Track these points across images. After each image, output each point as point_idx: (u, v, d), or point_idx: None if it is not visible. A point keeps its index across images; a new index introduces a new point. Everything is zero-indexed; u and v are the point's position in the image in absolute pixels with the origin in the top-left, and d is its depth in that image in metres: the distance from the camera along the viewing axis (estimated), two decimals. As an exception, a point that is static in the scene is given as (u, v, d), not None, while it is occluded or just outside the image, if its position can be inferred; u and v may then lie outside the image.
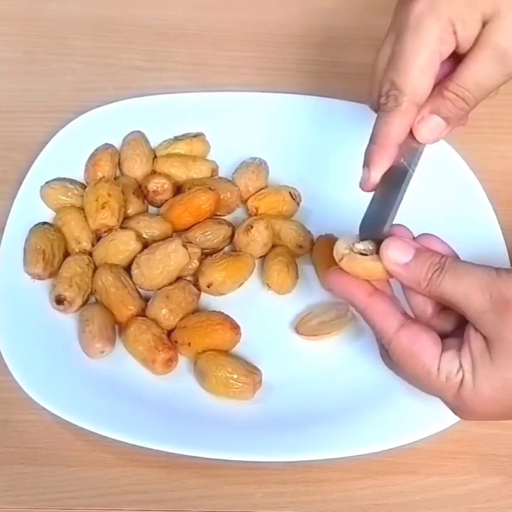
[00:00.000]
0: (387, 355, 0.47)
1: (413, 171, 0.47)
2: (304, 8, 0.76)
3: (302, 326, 0.58)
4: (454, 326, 0.48)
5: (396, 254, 0.46)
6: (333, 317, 0.58)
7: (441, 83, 0.49)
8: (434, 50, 0.47)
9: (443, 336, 0.47)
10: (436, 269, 0.45)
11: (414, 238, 0.47)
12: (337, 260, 0.47)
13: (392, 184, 0.47)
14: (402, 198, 0.47)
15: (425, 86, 0.47)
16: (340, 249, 0.47)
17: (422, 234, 0.47)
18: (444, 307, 0.47)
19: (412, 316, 0.48)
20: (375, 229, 0.47)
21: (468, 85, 0.47)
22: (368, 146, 0.48)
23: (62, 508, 0.53)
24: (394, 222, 0.47)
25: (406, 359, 0.46)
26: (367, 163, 0.48)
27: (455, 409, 0.47)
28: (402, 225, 0.48)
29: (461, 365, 0.45)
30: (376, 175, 0.48)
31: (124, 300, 0.57)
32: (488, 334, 0.44)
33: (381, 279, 0.47)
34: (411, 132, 0.48)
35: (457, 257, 0.47)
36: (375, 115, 0.50)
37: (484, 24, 0.46)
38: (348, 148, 0.64)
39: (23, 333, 0.56)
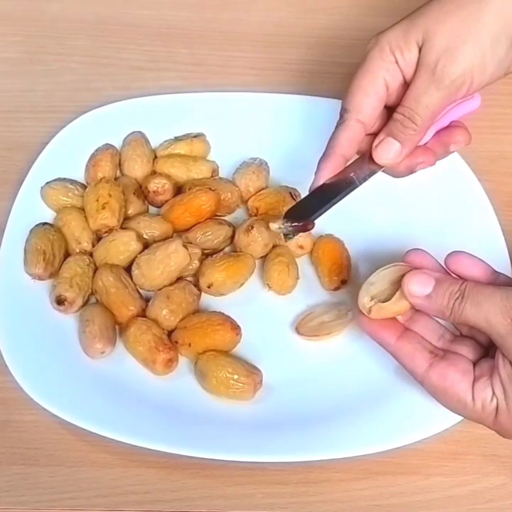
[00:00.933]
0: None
1: (359, 184, 0.53)
2: (304, 8, 0.76)
3: (303, 327, 0.58)
4: (477, 353, 0.50)
5: (417, 287, 0.48)
6: (334, 318, 0.58)
7: None
8: (377, 76, 0.51)
9: (483, 349, 0.50)
10: (457, 298, 0.47)
11: (445, 257, 0.50)
12: (365, 313, 0.50)
13: (335, 187, 0.53)
14: (338, 200, 0.53)
15: (369, 105, 0.52)
16: (364, 302, 0.50)
17: (452, 252, 0.50)
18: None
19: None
20: (302, 213, 0.53)
21: (410, 104, 0.50)
22: (321, 156, 0.53)
23: (62, 509, 0.53)
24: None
25: (440, 395, 0.49)
26: (316, 170, 0.53)
27: (499, 433, 0.49)
28: (421, 250, 0.51)
29: (493, 393, 0.47)
30: (319, 180, 0.53)
31: (124, 300, 0.57)
32: None
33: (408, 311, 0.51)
34: (370, 156, 0.53)
35: (488, 267, 0.50)
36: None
37: (420, 49, 0.50)
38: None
39: (23, 334, 0.56)
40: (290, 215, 0.53)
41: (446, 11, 0.50)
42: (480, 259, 0.50)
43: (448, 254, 0.50)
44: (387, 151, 0.52)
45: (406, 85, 0.51)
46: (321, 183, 0.52)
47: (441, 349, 0.51)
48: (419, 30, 0.50)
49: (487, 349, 0.50)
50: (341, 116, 0.53)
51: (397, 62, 0.51)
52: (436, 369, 0.49)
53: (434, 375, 0.49)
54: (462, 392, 0.48)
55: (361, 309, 0.50)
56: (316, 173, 0.53)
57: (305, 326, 0.58)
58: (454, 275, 0.50)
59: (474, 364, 0.49)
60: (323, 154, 0.53)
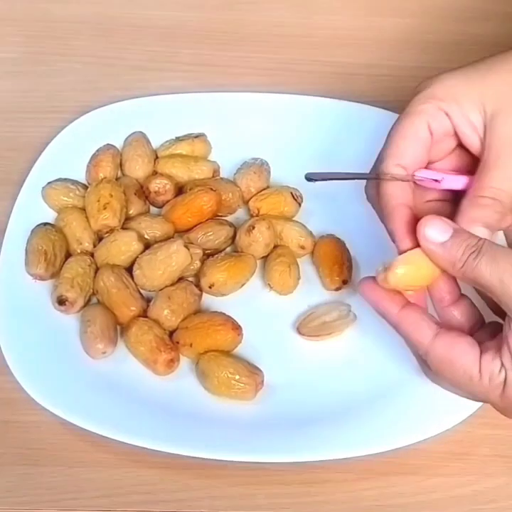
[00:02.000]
0: (427, 367, 0.47)
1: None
2: (305, 8, 0.76)
3: (304, 327, 0.58)
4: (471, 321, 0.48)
5: (433, 232, 0.45)
6: (335, 318, 0.58)
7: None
8: (419, 120, 0.47)
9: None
10: (473, 251, 0.44)
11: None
12: (381, 281, 0.46)
13: None
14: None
15: (409, 149, 0.47)
16: (379, 270, 0.47)
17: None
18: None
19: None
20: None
21: (499, 183, 0.46)
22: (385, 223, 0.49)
23: (64, 509, 0.53)
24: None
25: (445, 367, 0.46)
26: (396, 242, 0.48)
27: (504, 411, 0.46)
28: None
29: (502, 364, 0.44)
30: (402, 246, 0.47)
31: (125, 301, 0.57)
32: None
33: (421, 287, 0.47)
34: None
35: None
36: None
37: (486, 115, 0.47)
38: (349, 148, 0.65)
39: (24, 334, 0.56)
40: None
41: None
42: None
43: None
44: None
45: (456, 138, 0.48)
46: (407, 247, 0.47)
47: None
48: (487, 93, 0.47)
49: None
50: (380, 168, 0.48)
51: (448, 115, 0.47)
52: (443, 338, 0.46)
53: (441, 344, 0.46)
54: (469, 364, 0.45)
55: (378, 279, 0.47)
56: (396, 243, 0.47)
57: (306, 327, 0.58)
58: None
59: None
60: (385, 218, 0.48)
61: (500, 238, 0.59)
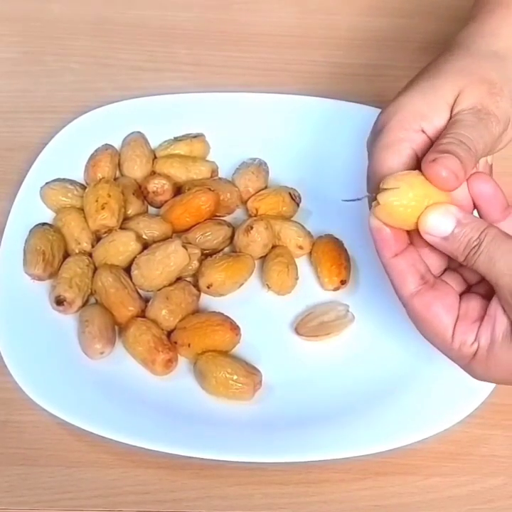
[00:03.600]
0: None
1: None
2: (304, 8, 0.76)
3: (302, 327, 0.58)
4: (477, 280, 0.48)
5: (436, 227, 0.45)
6: (333, 318, 0.58)
7: None
8: (402, 148, 0.47)
9: (467, 287, 0.48)
10: (474, 247, 0.45)
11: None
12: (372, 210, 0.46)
13: None
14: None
15: (386, 162, 0.47)
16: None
17: (479, 175, 0.47)
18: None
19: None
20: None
21: (466, 130, 0.46)
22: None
23: (62, 509, 0.53)
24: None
25: (419, 324, 0.47)
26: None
27: (467, 372, 0.48)
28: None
29: (476, 339, 0.45)
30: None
31: (123, 301, 0.57)
32: None
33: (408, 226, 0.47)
34: None
35: (504, 201, 0.47)
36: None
37: (452, 107, 0.47)
38: (348, 148, 0.65)
39: (23, 334, 0.56)
40: None
41: (469, 63, 0.48)
42: (501, 192, 0.47)
43: (475, 176, 0.47)
44: (450, 164, 0.45)
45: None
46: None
47: (434, 275, 0.48)
48: (447, 89, 0.48)
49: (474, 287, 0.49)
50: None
51: (423, 131, 0.48)
52: (422, 297, 0.46)
53: (418, 303, 0.46)
54: (443, 327, 0.46)
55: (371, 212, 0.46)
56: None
57: (304, 327, 0.58)
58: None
59: (460, 296, 0.48)
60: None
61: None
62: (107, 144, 0.64)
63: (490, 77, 0.49)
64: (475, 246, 0.45)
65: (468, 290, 0.49)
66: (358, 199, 0.49)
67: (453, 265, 0.49)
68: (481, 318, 0.46)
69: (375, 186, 0.47)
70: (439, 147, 0.46)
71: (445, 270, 0.50)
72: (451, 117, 0.48)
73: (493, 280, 0.45)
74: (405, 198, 0.45)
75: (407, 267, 0.47)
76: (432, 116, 0.48)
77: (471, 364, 0.46)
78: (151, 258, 0.57)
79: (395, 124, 0.48)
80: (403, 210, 0.45)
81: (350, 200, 0.49)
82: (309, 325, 0.58)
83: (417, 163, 0.47)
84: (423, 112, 0.48)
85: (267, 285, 0.59)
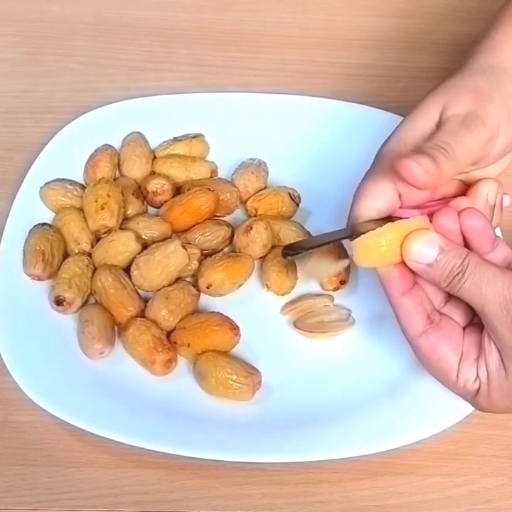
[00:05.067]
0: None
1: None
2: (302, 8, 0.76)
3: (301, 322, 0.58)
4: (467, 318, 0.49)
5: (419, 254, 0.46)
6: (334, 319, 0.58)
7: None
8: (387, 182, 0.48)
9: (464, 323, 0.49)
10: (458, 273, 0.45)
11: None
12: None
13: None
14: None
15: (375, 212, 0.48)
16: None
17: (469, 210, 0.48)
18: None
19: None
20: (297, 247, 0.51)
21: (445, 137, 0.47)
22: None
23: (61, 509, 0.53)
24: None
25: (425, 363, 0.49)
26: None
27: (473, 406, 0.50)
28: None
29: (477, 376, 0.47)
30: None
31: (123, 301, 0.57)
32: (503, 348, 0.46)
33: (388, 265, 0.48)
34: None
35: (492, 234, 0.48)
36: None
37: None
38: (347, 148, 0.65)
39: (22, 334, 0.56)
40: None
41: (458, 79, 0.50)
42: (490, 225, 0.48)
43: (466, 212, 0.48)
44: (424, 163, 0.45)
45: None
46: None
47: (439, 311, 0.49)
48: (431, 106, 0.49)
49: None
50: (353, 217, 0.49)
51: None
52: (428, 338, 0.48)
53: (425, 344, 0.48)
54: (448, 367, 0.47)
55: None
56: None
57: (303, 322, 0.58)
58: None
59: (464, 330, 0.49)
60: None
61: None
62: (106, 144, 0.64)
63: (477, 87, 0.49)
64: (459, 272, 0.46)
65: (470, 322, 0.50)
66: (299, 254, 0.50)
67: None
68: (479, 355, 0.47)
69: (357, 214, 0.49)
70: (416, 150, 0.47)
71: (448, 300, 0.50)
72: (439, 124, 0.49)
73: (478, 308, 0.46)
74: (382, 237, 0.46)
75: (414, 307, 0.48)
76: (417, 139, 0.49)
77: (476, 398, 0.48)
78: (150, 258, 0.57)
79: (386, 156, 0.49)
80: (381, 249, 0.47)
81: (293, 255, 0.51)
82: (308, 321, 0.58)
83: (397, 199, 0.49)
84: (409, 137, 0.49)
85: (267, 285, 0.59)
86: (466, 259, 0.46)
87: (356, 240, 0.47)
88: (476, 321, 0.49)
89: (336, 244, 0.60)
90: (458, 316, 0.50)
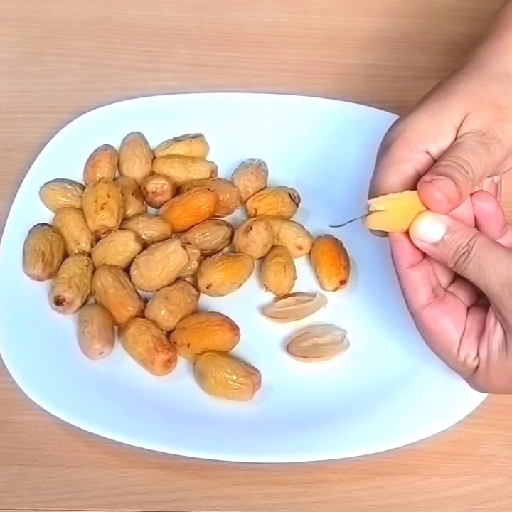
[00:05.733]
0: None
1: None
2: (302, 8, 0.76)
3: (294, 346, 0.57)
4: (472, 298, 0.50)
5: (426, 233, 0.47)
6: (328, 342, 0.57)
7: None
8: (405, 167, 0.48)
9: (478, 295, 0.49)
10: (463, 253, 0.46)
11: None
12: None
13: None
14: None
15: (388, 179, 0.48)
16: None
17: (481, 192, 0.49)
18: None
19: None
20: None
21: (466, 155, 0.47)
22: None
23: (61, 509, 0.53)
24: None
25: (426, 336, 0.49)
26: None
27: (469, 384, 0.50)
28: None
29: (478, 354, 0.47)
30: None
31: (123, 301, 0.57)
32: (507, 328, 0.46)
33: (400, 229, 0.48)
34: None
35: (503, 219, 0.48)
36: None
37: (457, 130, 0.49)
38: (348, 148, 0.65)
39: (22, 334, 0.56)
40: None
41: (479, 85, 0.49)
42: (501, 211, 0.49)
43: (478, 195, 0.48)
44: (444, 187, 0.46)
45: None
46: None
47: (444, 288, 0.50)
48: (455, 111, 0.49)
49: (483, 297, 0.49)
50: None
51: (428, 152, 0.49)
52: (431, 310, 0.48)
53: (428, 316, 0.48)
54: (449, 341, 0.48)
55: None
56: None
57: (296, 346, 0.57)
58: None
59: (468, 309, 0.49)
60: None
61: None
62: (106, 144, 0.64)
63: (498, 102, 0.49)
64: (464, 253, 0.46)
65: (475, 303, 0.50)
66: (342, 225, 0.50)
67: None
68: (481, 333, 0.48)
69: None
70: (437, 169, 0.47)
71: (454, 280, 0.50)
72: (456, 139, 0.49)
73: (482, 287, 0.46)
74: (392, 221, 0.47)
75: (420, 279, 0.48)
76: (437, 138, 0.49)
77: (473, 376, 0.48)
78: (150, 258, 0.57)
79: (401, 143, 0.49)
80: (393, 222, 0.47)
81: (337, 226, 0.50)
82: (301, 345, 0.57)
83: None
84: (429, 134, 0.49)
85: (265, 285, 0.59)
86: (472, 239, 0.46)
87: (371, 200, 0.47)
88: (481, 303, 0.49)
89: (338, 246, 0.60)
90: (463, 296, 0.50)
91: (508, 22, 0.54)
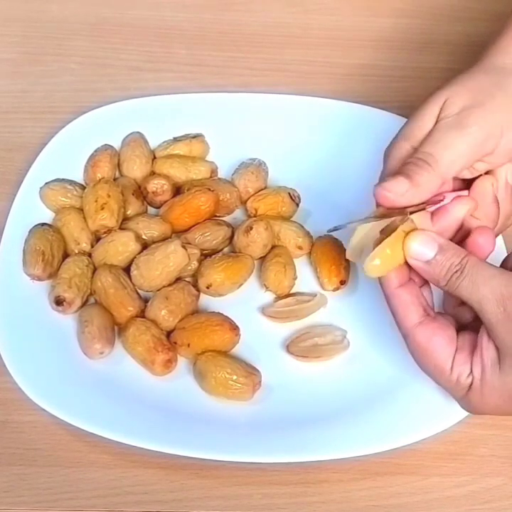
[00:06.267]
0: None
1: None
2: (302, 9, 0.76)
3: (294, 346, 0.57)
4: (472, 318, 0.50)
5: (419, 250, 0.47)
6: (328, 342, 0.57)
7: None
8: None
9: (461, 327, 0.49)
10: (456, 271, 0.46)
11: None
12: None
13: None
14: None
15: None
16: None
17: (480, 227, 0.49)
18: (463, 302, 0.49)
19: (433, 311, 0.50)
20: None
21: (427, 147, 0.49)
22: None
23: (61, 509, 0.53)
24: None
25: (420, 355, 0.49)
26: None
27: (462, 406, 0.49)
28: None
29: (471, 371, 0.47)
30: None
31: (123, 301, 0.57)
32: (500, 345, 0.46)
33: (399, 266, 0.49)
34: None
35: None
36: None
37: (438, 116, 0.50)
38: (347, 148, 0.65)
39: (22, 334, 0.56)
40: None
41: (464, 76, 0.51)
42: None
43: (480, 230, 0.49)
44: (393, 185, 0.48)
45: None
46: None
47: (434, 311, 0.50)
48: (436, 100, 0.50)
49: (468, 326, 0.50)
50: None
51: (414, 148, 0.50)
52: (424, 328, 0.48)
53: (421, 333, 0.48)
54: (442, 359, 0.48)
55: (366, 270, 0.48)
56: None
57: (296, 346, 0.57)
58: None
59: (457, 331, 0.49)
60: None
61: (500, 241, 0.60)
62: (106, 144, 0.64)
63: (478, 86, 0.50)
64: (457, 270, 0.46)
65: (462, 329, 0.50)
66: (340, 228, 0.51)
67: (447, 308, 0.51)
68: (473, 350, 0.47)
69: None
70: (397, 170, 0.49)
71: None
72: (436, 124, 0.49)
73: (475, 305, 0.46)
74: (390, 263, 0.48)
75: (411, 298, 0.49)
76: (417, 135, 0.50)
77: (467, 395, 0.48)
78: (150, 258, 0.57)
79: (392, 154, 0.51)
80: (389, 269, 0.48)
81: (334, 230, 0.52)
82: (301, 345, 0.57)
83: None
84: (412, 134, 0.50)
85: (265, 285, 0.59)
86: (464, 258, 0.47)
87: (366, 260, 0.48)
88: (470, 325, 0.50)
89: (338, 246, 0.60)
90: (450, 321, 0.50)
91: (509, 24, 0.54)
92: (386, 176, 0.50)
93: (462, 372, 0.47)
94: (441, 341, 0.48)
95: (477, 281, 0.46)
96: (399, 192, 0.48)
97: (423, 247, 0.47)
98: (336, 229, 0.52)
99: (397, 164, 0.50)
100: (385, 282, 0.49)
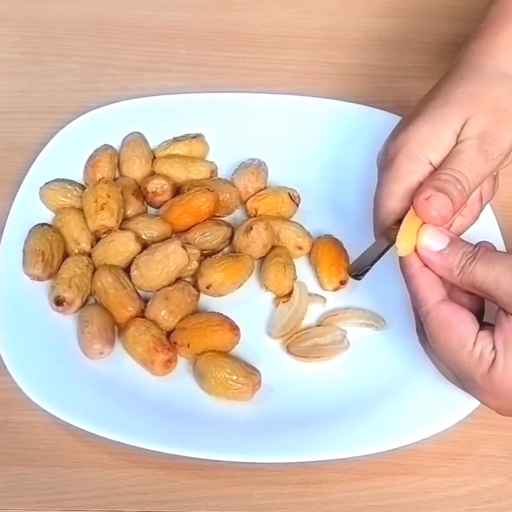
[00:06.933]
0: (422, 329, 0.49)
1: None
2: (302, 9, 0.76)
3: (294, 346, 0.57)
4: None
5: (431, 241, 0.48)
6: (328, 342, 0.57)
7: None
8: (410, 181, 0.49)
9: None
10: (470, 257, 0.47)
11: None
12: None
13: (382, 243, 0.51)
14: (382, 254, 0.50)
15: (394, 195, 0.50)
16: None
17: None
18: None
19: None
20: (359, 267, 0.51)
21: (462, 168, 0.49)
22: None
23: (61, 509, 0.53)
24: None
25: (442, 331, 0.48)
26: None
27: (481, 391, 0.48)
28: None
29: (494, 346, 0.46)
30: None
31: (123, 301, 0.57)
32: None
33: None
34: None
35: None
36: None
37: (458, 135, 0.49)
38: (347, 148, 0.65)
39: (22, 334, 0.56)
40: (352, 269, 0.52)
41: (479, 89, 0.50)
42: None
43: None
44: (440, 205, 0.47)
45: None
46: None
47: None
48: (455, 117, 0.49)
49: None
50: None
51: (431, 163, 0.50)
52: (449, 303, 0.48)
53: (447, 308, 0.48)
54: (466, 333, 0.47)
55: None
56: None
57: (296, 346, 0.57)
58: None
59: None
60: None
61: (499, 241, 0.60)
62: (106, 145, 0.64)
63: (499, 104, 0.50)
64: (470, 257, 0.47)
65: None
66: (363, 273, 0.50)
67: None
68: (494, 329, 0.47)
69: (382, 219, 0.50)
70: (435, 183, 0.48)
71: None
72: (456, 144, 0.49)
73: (491, 284, 0.46)
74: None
75: (435, 277, 0.49)
76: (437, 147, 0.49)
77: (490, 372, 0.46)
78: (150, 258, 0.57)
79: (404, 157, 0.50)
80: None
81: (360, 275, 0.51)
82: (301, 345, 0.57)
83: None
84: (430, 143, 0.49)
85: (265, 285, 0.59)
86: (476, 247, 0.48)
87: (398, 238, 0.48)
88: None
89: (338, 246, 0.60)
90: None
91: (501, 20, 0.54)
92: (422, 186, 0.49)
93: (486, 345, 0.47)
94: (466, 316, 0.48)
95: (491, 261, 0.46)
96: (443, 213, 0.48)
97: (434, 240, 0.48)
98: (364, 272, 0.51)
99: (401, 169, 0.50)
100: (408, 262, 0.49)
